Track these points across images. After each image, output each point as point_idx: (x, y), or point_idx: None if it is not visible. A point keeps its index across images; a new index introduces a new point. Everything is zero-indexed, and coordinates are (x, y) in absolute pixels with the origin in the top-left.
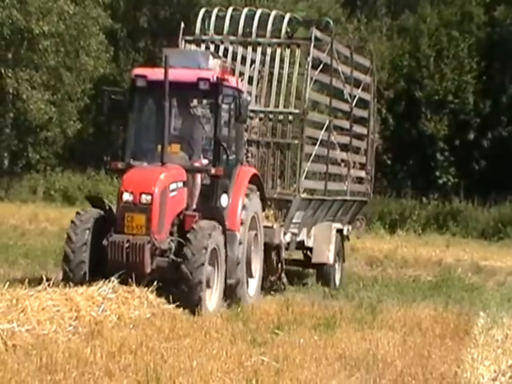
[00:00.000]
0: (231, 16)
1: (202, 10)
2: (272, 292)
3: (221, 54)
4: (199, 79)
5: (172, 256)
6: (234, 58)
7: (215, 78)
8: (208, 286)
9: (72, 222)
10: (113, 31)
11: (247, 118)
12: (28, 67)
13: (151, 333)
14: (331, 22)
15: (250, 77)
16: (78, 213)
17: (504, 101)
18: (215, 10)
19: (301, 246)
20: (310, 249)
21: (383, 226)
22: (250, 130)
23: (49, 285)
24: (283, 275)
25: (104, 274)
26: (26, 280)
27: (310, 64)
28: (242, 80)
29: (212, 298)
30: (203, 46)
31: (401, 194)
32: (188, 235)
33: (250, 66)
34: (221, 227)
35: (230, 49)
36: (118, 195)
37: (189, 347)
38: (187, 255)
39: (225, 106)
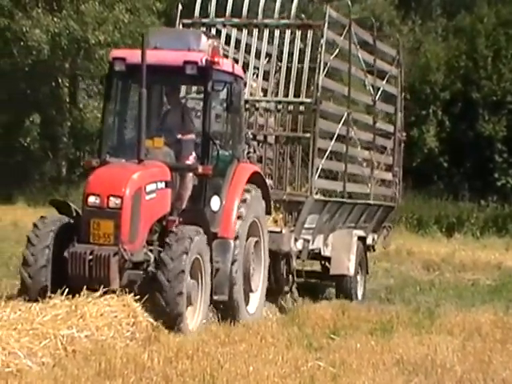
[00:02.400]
0: None
1: None
2: (283, 308)
3: (222, 40)
4: (186, 62)
5: (151, 268)
6: (238, 46)
7: (204, 61)
8: (189, 303)
9: (34, 224)
10: None
11: (240, 107)
12: (84, 76)
13: (207, 338)
14: (350, 4)
15: (255, 67)
16: (42, 216)
17: None
18: None
19: (317, 255)
20: (328, 259)
21: (440, 230)
22: (266, 128)
23: (106, 291)
24: (294, 288)
25: (66, 287)
26: (85, 286)
27: (324, 47)
28: (253, 73)
29: (194, 317)
30: (204, 29)
31: (458, 197)
32: (166, 239)
33: (256, 55)
34: (204, 233)
35: (233, 34)
36: (83, 198)
37: (245, 352)
38: (165, 261)
39: (220, 95)
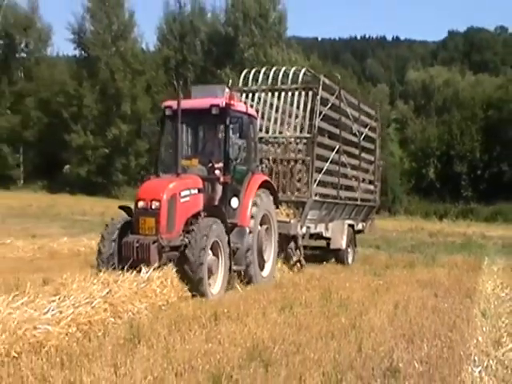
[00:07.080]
0: (264, 73)
1: (244, 71)
2: (295, 270)
3: (256, 100)
4: (211, 105)
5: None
6: (265, 104)
7: (224, 104)
8: (211, 273)
9: (106, 225)
10: None
11: (251, 136)
12: None
13: (334, 270)
14: (339, 76)
15: (275, 118)
16: (112, 219)
17: (495, 154)
18: (253, 71)
19: (321, 237)
20: (329, 238)
21: (436, 217)
22: (284, 151)
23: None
24: (301, 258)
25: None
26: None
27: (319, 101)
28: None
29: (216, 284)
30: (244, 94)
31: (445, 202)
32: (192, 227)
33: (276, 111)
34: (221, 222)
35: (262, 96)
36: (135, 203)
37: (344, 277)
38: (190, 242)
39: (236, 128)
